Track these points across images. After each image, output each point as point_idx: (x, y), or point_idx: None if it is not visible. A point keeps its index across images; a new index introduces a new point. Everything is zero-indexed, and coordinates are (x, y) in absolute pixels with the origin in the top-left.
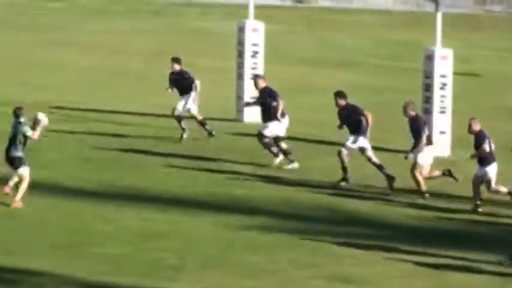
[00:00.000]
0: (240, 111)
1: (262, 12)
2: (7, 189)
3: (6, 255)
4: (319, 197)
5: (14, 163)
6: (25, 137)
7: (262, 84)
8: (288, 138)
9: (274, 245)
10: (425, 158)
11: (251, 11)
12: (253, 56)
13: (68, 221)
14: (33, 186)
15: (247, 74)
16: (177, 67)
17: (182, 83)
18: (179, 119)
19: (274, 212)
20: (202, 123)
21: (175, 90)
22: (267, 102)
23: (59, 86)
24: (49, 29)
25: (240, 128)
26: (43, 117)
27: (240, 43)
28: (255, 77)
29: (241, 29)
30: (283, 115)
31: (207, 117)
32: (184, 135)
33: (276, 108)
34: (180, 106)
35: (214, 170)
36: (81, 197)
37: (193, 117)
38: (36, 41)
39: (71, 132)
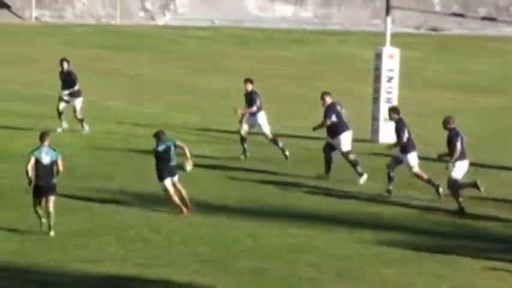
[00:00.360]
0: (375, 133)
1: (398, 39)
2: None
3: (153, 267)
4: (442, 214)
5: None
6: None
7: (329, 100)
8: (422, 159)
9: (405, 258)
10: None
11: (387, 38)
12: (388, 81)
13: (213, 236)
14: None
15: (383, 97)
16: (249, 87)
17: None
18: (244, 138)
19: (403, 227)
20: (274, 141)
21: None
22: (332, 117)
23: (206, 109)
24: (197, 56)
25: (375, 148)
26: (188, 168)
27: (377, 68)
28: (323, 94)
29: (378, 55)
30: (347, 129)
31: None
32: (242, 156)
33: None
34: (246, 126)
35: (350, 190)
36: (225, 213)
37: (264, 135)
38: (186, 67)
39: (219, 153)
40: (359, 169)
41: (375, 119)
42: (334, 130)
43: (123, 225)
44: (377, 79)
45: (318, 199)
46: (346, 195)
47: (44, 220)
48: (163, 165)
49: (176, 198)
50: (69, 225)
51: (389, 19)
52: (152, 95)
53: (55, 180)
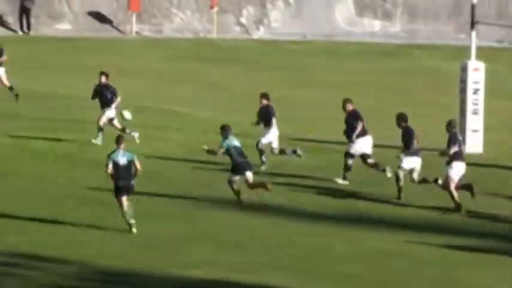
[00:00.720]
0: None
1: (482, 53)
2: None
3: (250, 272)
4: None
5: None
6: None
7: (350, 107)
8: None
9: (500, 264)
10: None
11: (473, 52)
12: (474, 93)
13: (307, 241)
14: (278, 209)
15: (470, 109)
16: (264, 102)
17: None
18: (262, 151)
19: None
20: (283, 152)
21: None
22: (352, 123)
23: (298, 119)
24: (290, 68)
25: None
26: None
27: (463, 81)
28: (344, 101)
29: (463, 69)
30: (364, 134)
31: (432, 148)
32: (263, 168)
33: (355, 128)
34: (264, 140)
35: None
36: (318, 220)
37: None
38: (280, 79)
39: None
40: (381, 167)
41: (462, 130)
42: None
43: (219, 231)
44: (462, 91)
45: (412, 208)
46: (423, 205)
47: (130, 220)
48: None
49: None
50: (167, 231)
51: (474, 33)
52: (246, 106)
53: (133, 181)
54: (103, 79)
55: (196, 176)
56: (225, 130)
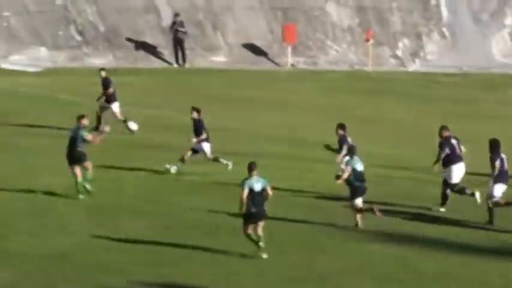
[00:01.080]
0: None
1: None
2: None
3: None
4: None
5: None
6: None
7: (446, 133)
8: None
9: None
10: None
11: None
12: None
13: (465, 274)
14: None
15: None
16: (195, 115)
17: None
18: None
19: None
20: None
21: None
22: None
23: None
24: (446, 101)
25: None
26: None
27: None
28: (441, 128)
29: None
30: (459, 161)
31: None
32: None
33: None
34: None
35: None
36: (470, 251)
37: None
38: (435, 112)
39: None
40: (468, 191)
41: None
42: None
43: (374, 263)
44: None
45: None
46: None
47: (261, 243)
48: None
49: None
50: (326, 263)
51: None
52: (403, 139)
53: (265, 207)
54: (194, 115)
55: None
56: (351, 151)
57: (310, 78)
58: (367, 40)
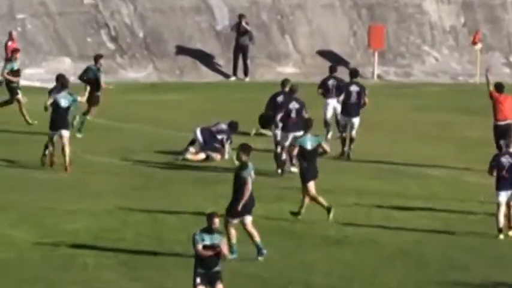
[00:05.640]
0: None
1: None
2: None
3: None
4: None
5: None
6: None
7: None
8: None
9: None
10: None
11: None
12: None
13: None
14: None
15: None
16: None
17: None
18: None
19: None
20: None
21: None
22: None
23: None
24: None
25: None
26: None
27: None
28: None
29: None
30: None
31: None
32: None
33: None
34: None
35: None
36: None
37: None
38: None
39: None
40: None
41: None
42: None
43: None
44: None
45: None
46: None
47: None
48: None
49: None
50: None
51: None
52: None
53: None
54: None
55: (452, 256)
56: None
57: (401, 93)
58: (475, 44)
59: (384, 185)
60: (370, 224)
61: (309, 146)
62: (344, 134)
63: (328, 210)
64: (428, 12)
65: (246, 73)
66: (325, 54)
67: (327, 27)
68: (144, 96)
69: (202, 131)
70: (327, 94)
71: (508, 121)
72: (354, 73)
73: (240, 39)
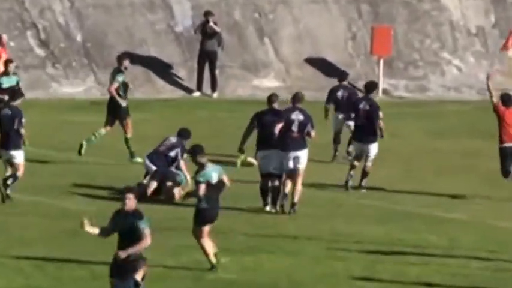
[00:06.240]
0: None
1: None
2: None
3: None
4: None
5: None
6: None
7: None
8: None
9: None
10: None
11: None
12: None
13: None
14: None
15: None
16: None
17: None
18: None
19: None
20: None
21: None
22: None
23: None
24: None
25: None
26: None
27: None
28: None
29: None
30: None
31: None
32: None
33: None
34: None
35: None
36: None
37: None
38: None
39: None
40: None
41: None
42: None
43: None
44: None
45: None
46: None
47: None
48: None
49: None
50: None
51: None
52: None
53: None
54: None
55: None
56: None
57: (415, 114)
58: (506, 49)
59: (393, 231)
60: (375, 280)
61: (214, 178)
62: (355, 163)
63: (212, 267)
64: (448, 8)
65: (213, 87)
66: (316, 62)
67: (318, 28)
68: (81, 117)
69: (150, 156)
70: (337, 108)
71: None
72: (370, 87)
73: (207, 44)
